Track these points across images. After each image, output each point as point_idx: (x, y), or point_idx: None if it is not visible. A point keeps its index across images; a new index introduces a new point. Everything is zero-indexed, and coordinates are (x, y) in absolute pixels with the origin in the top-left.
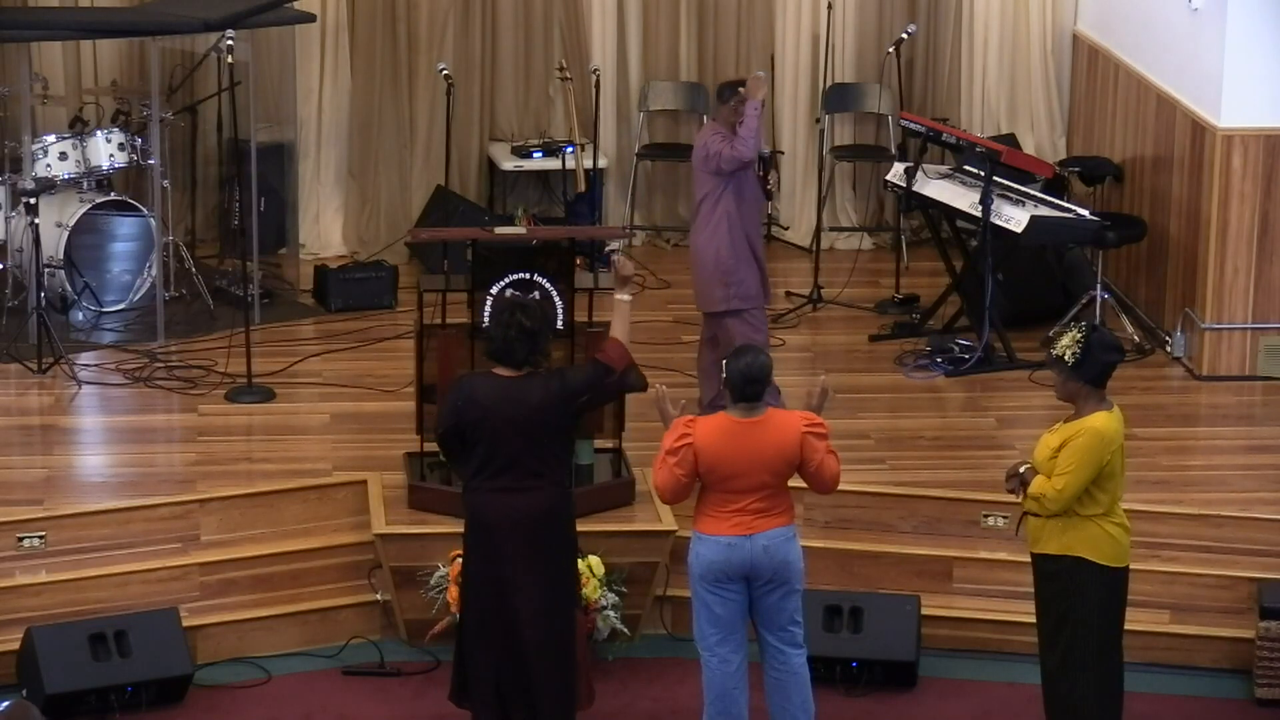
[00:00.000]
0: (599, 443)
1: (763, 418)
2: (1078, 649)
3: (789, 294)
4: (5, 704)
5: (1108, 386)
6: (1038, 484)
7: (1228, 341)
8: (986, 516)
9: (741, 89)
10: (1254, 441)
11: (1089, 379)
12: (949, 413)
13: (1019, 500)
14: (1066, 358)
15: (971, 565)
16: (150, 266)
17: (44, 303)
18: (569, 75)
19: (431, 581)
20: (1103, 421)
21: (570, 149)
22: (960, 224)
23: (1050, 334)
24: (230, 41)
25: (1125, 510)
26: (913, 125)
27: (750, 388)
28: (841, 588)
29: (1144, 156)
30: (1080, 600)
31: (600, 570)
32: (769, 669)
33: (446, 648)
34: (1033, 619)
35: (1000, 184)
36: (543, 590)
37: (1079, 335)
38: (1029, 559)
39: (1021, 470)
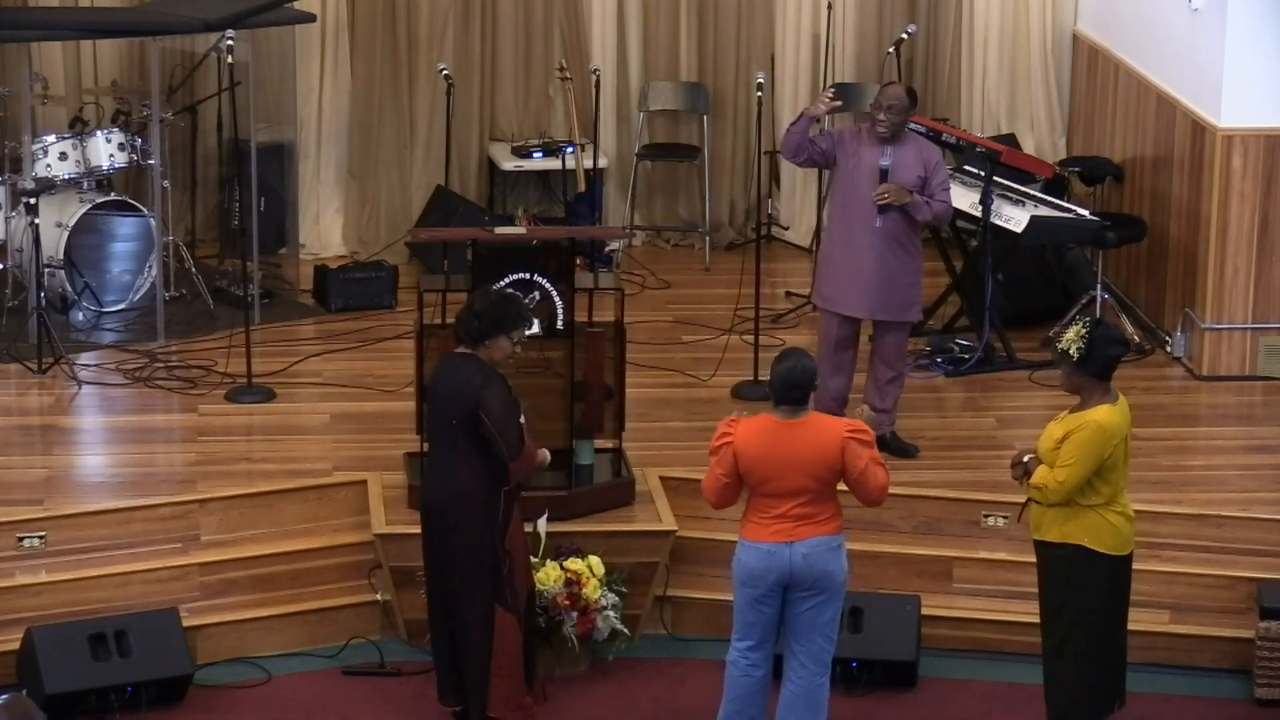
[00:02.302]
0: (599, 443)
1: (804, 420)
2: (1075, 635)
3: (789, 294)
4: (2, 697)
5: (1112, 380)
6: (1040, 474)
7: (1228, 341)
8: (986, 516)
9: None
10: (1254, 441)
11: (1094, 372)
12: (949, 413)
13: (1022, 488)
14: (1071, 352)
15: (971, 565)
16: (150, 266)
17: (44, 303)
18: (569, 75)
19: None
20: (1105, 415)
21: (570, 149)
22: (960, 224)
23: (1053, 331)
24: (230, 41)
25: None
26: (913, 125)
27: (790, 393)
28: None
29: (1144, 156)
30: (1080, 588)
31: (600, 570)
32: (788, 682)
33: None
34: (1033, 619)
35: (1000, 184)
36: (460, 582)
37: (1083, 330)
38: (1029, 559)
39: (1026, 459)
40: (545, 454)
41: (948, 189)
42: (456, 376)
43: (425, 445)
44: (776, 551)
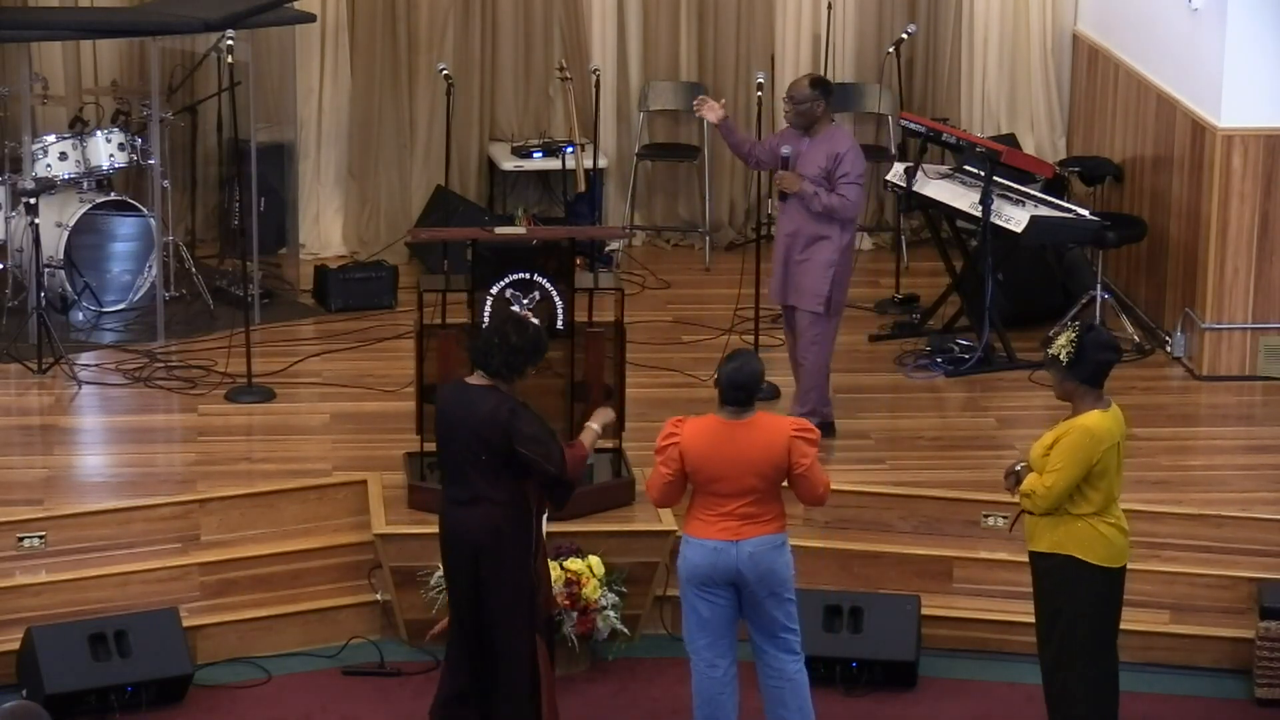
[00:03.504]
0: (599, 443)
1: (751, 420)
2: (1070, 645)
3: None
4: (9, 704)
5: (1107, 386)
6: (1029, 481)
7: (1228, 341)
8: (986, 516)
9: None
10: (1254, 441)
11: (1084, 378)
12: (949, 413)
13: (1015, 497)
14: (1061, 357)
15: (971, 565)
16: (150, 266)
17: (44, 303)
18: (569, 75)
19: (431, 581)
20: (1094, 420)
21: (570, 149)
22: (960, 224)
23: (1049, 334)
24: (230, 41)
25: (1125, 510)
26: (913, 125)
27: (735, 393)
28: (841, 588)
29: (1144, 156)
30: (1072, 598)
31: (600, 570)
32: (764, 677)
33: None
34: (1033, 619)
35: (1000, 184)
36: (500, 614)
37: (1074, 335)
38: (1028, 558)
39: (1018, 468)
40: (593, 432)
41: (850, 183)
42: (477, 411)
43: (424, 445)
44: (723, 549)
